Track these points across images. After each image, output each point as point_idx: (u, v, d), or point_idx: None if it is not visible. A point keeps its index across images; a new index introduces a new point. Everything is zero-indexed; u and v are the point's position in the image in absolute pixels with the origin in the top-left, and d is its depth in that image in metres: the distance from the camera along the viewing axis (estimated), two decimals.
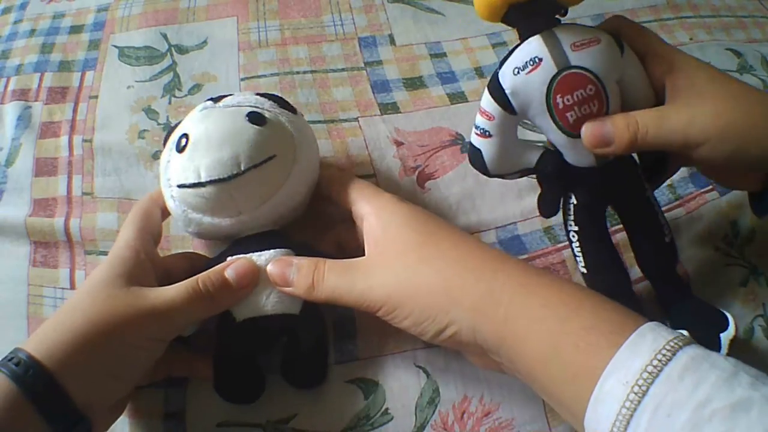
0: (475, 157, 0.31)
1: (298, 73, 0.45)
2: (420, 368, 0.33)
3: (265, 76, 0.45)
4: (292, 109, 0.34)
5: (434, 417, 0.32)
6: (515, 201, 0.38)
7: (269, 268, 0.30)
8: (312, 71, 0.45)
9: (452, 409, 0.32)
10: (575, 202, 0.31)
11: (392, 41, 0.47)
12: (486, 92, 0.30)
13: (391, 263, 0.27)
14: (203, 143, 0.30)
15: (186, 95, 0.44)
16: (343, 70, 0.45)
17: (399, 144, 0.41)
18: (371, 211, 0.29)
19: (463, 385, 0.32)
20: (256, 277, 0.29)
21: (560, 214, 0.33)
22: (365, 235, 0.29)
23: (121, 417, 0.31)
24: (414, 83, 0.45)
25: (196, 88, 0.44)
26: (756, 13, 0.53)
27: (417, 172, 0.40)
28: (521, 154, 0.31)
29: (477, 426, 0.32)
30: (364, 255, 0.29)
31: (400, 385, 0.32)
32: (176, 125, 0.34)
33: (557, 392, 0.23)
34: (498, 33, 0.48)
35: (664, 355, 0.20)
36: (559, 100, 0.28)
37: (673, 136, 0.26)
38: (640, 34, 0.30)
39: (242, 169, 0.29)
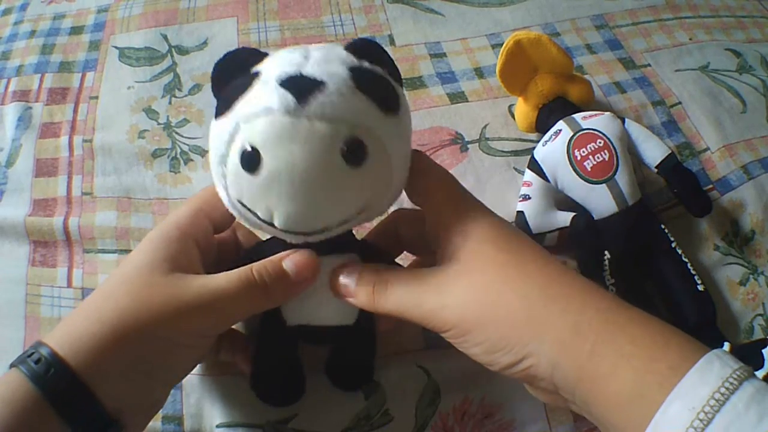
0: (520, 219, 0.36)
1: None
2: (421, 369, 0.33)
3: None
4: (395, 107, 0.24)
5: (434, 418, 0.32)
6: (516, 200, 0.38)
7: (332, 276, 0.26)
8: None
9: (453, 410, 0.32)
10: (608, 257, 0.34)
11: (392, 41, 0.47)
12: (526, 169, 0.38)
13: (469, 281, 0.24)
14: (284, 182, 0.22)
15: (186, 95, 0.44)
16: None
17: None
18: (452, 217, 0.25)
19: (464, 387, 0.32)
20: (316, 272, 0.25)
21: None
22: (442, 243, 0.25)
23: None
24: (414, 83, 0.45)
25: (196, 88, 0.45)
26: (755, 13, 0.53)
27: None
28: (556, 215, 0.36)
29: (477, 427, 0.32)
30: (427, 256, 0.26)
31: (401, 386, 0.32)
32: (223, 65, 0.26)
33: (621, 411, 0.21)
34: (498, 34, 0.48)
35: (731, 383, 0.19)
36: (576, 153, 0.35)
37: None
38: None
39: (326, 226, 0.24)
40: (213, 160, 0.24)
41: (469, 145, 0.42)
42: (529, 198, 0.37)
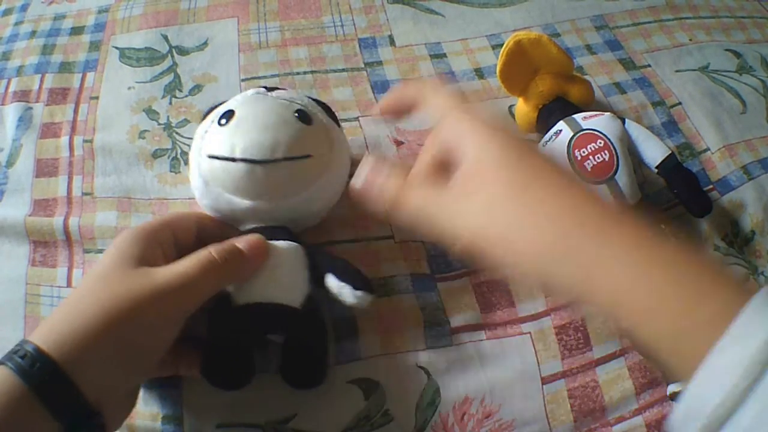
0: None
1: (298, 73, 0.45)
2: (421, 369, 0.33)
3: (265, 77, 0.45)
4: (337, 122, 0.35)
5: (434, 418, 0.32)
6: None
7: (363, 171, 0.28)
8: (312, 72, 0.45)
9: (453, 410, 0.32)
10: None
11: (392, 42, 0.47)
12: None
13: (488, 199, 0.24)
14: (249, 123, 0.30)
15: (186, 96, 0.44)
16: (343, 70, 0.45)
17: (399, 143, 0.41)
18: (469, 136, 0.25)
19: (464, 387, 0.32)
20: (265, 251, 0.30)
21: None
22: (463, 160, 0.25)
23: None
24: None
25: (196, 89, 0.45)
26: (755, 13, 0.53)
27: None
28: None
29: (477, 427, 0.32)
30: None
31: (401, 386, 0.32)
32: (219, 104, 0.34)
33: (663, 348, 0.21)
34: (498, 34, 0.48)
35: None
36: (577, 153, 0.36)
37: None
38: (433, 100, 0.28)
39: (278, 157, 0.30)
40: (194, 143, 0.32)
41: None
42: None
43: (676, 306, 0.21)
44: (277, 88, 0.35)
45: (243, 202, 0.31)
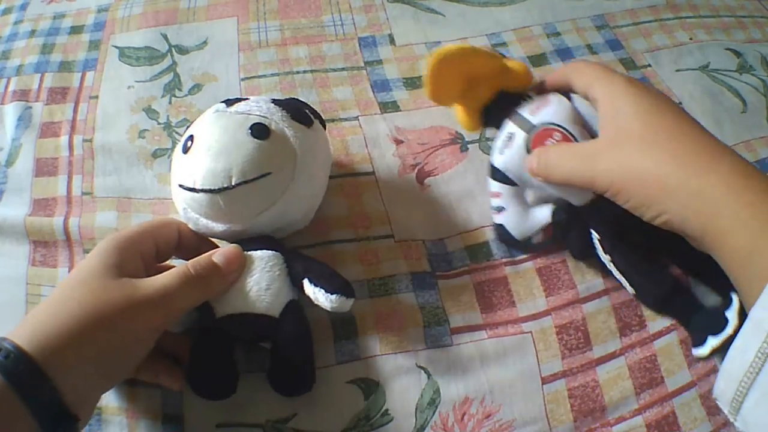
0: (501, 232, 0.36)
1: (298, 72, 0.45)
2: (421, 369, 0.33)
3: (265, 76, 0.45)
4: (307, 121, 0.33)
5: (434, 418, 0.32)
6: None
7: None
8: (312, 71, 0.45)
9: (453, 410, 0.32)
10: (598, 237, 0.34)
11: (392, 41, 0.47)
12: (489, 179, 0.36)
13: (616, 151, 0.29)
14: (203, 150, 0.30)
15: (186, 95, 0.44)
16: (343, 69, 0.45)
17: (399, 142, 0.41)
18: (603, 97, 0.31)
19: (464, 387, 0.32)
20: (242, 263, 0.30)
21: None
22: (599, 119, 0.32)
23: (120, 419, 0.31)
24: (414, 82, 0.45)
25: (196, 88, 0.44)
26: (755, 13, 0.53)
27: (416, 170, 0.40)
28: (536, 215, 0.35)
29: (477, 427, 0.32)
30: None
31: (401, 386, 0.32)
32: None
33: (752, 291, 0.24)
34: (498, 33, 0.48)
35: None
36: None
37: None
38: (580, 75, 0.34)
39: (232, 183, 0.30)
40: (172, 167, 0.33)
41: (469, 145, 0.42)
42: (504, 209, 0.35)
43: (754, 226, 0.24)
44: (240, 99, 0.34)
45: (218, 226, 0.31)
